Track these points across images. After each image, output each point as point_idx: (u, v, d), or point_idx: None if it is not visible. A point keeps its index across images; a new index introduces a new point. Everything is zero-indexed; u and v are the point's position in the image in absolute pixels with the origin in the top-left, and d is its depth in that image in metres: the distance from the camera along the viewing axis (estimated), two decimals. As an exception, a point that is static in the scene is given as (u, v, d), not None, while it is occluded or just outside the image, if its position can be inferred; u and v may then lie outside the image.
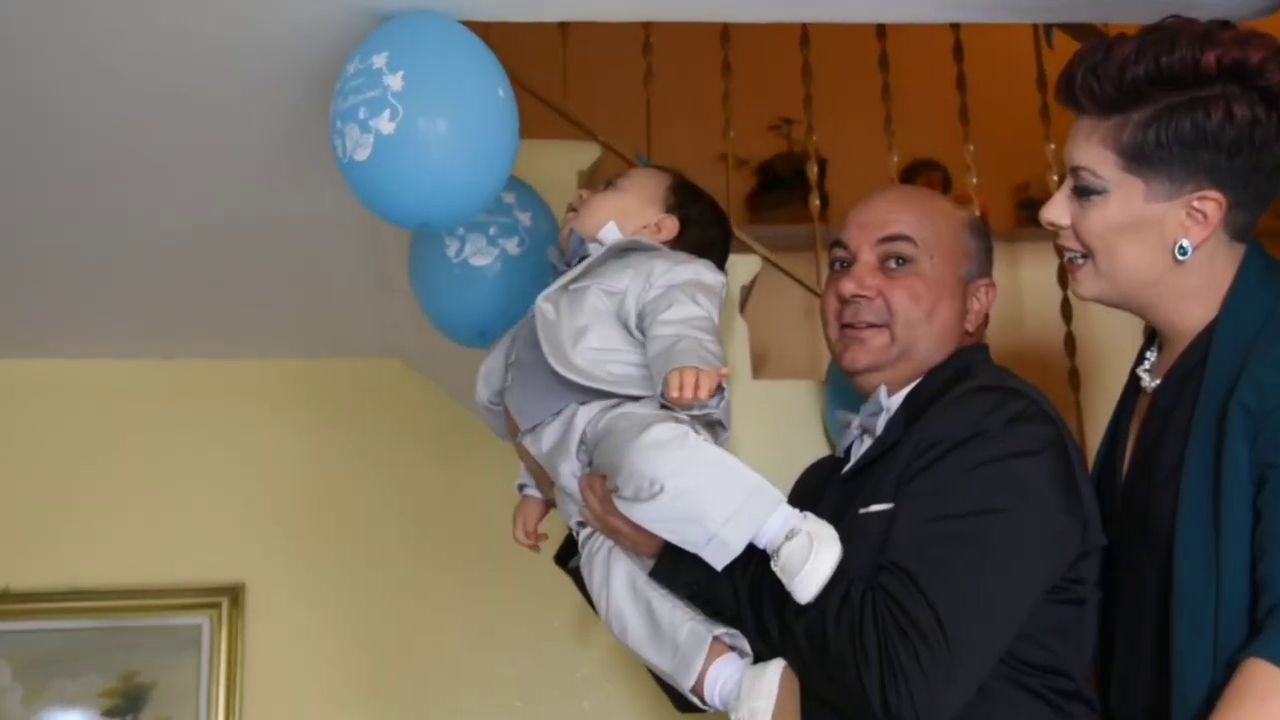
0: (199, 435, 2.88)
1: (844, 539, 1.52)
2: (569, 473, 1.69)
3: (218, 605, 2.72)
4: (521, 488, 1.89)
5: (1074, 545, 1.56)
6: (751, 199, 3.25)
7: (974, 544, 1.50)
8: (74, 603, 2.69)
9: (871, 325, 1.72)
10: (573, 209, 1.84)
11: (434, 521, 2.89)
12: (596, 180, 2.04)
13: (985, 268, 1.79)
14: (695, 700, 1.60)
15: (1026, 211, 3.26)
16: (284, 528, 2.84)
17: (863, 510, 1.61)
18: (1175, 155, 1.49)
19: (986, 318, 1.80)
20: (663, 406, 1.59)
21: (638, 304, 1.70)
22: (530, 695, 2.81)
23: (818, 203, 2.40)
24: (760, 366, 2.35)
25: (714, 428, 1.68)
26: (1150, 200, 1.50)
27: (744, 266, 2.23)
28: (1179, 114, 1.47)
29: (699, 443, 1.56)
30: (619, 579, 1.68)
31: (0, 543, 2.74)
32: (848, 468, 1.73)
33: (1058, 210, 1.60)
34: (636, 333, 1.70)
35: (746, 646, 1.58)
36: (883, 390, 1.70)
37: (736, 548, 1.47)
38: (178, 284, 2.65)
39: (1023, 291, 2.86)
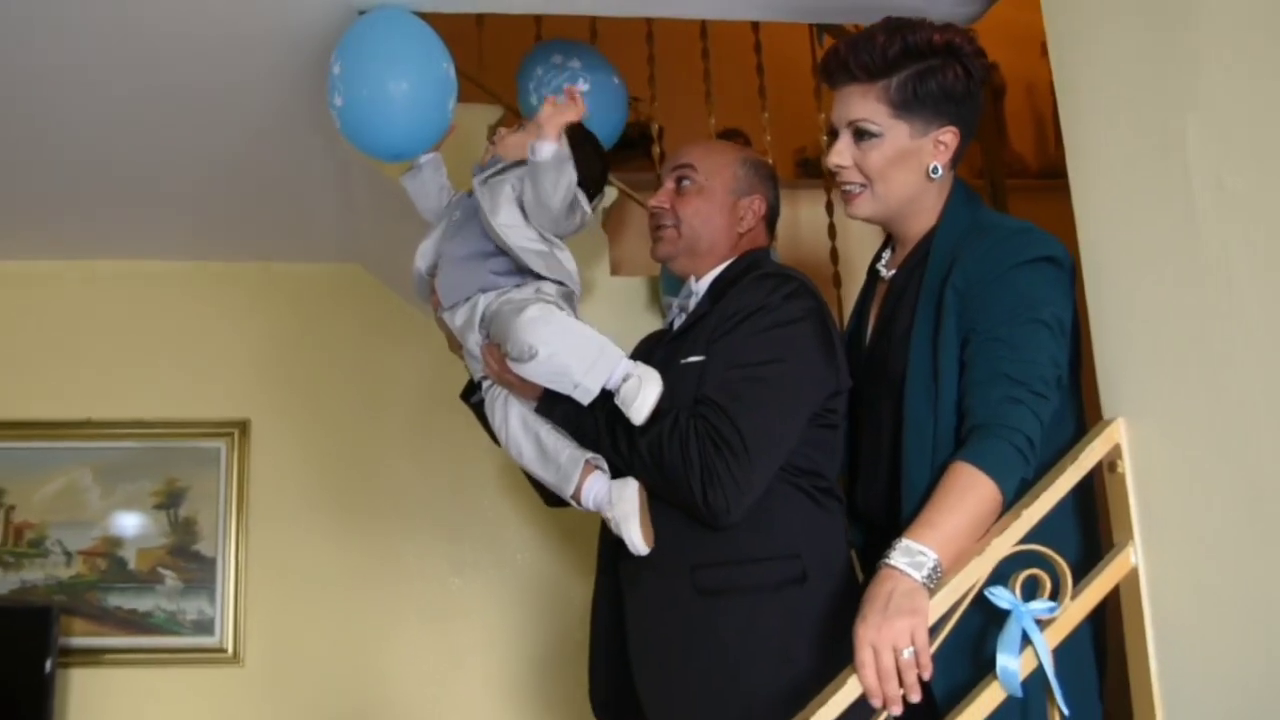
0: (218, 319, 3.53)
1: (669, 384, 1.84)
2: (474, 341, 2.03)
3: (231, 434, 3.44)
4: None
5: (829, 385, 1.92)
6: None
7: (763, 384, 1.85)
8: (133, 429, 3.42)
9: (665, 226, 2.14)
10: (491, 141, 2.18)
11: (387, 385, 3.52)
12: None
13: (755, 188, 2.15)
14: (573, 504, 1.95)
15: (802, 168, 3.70)
16: (275, 384, 3.50)
17: (682, 361, 1.96)
18: (928, 104, 1.85)
19: (763, 221, 2.16)
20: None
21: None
22: (453, 508, 3.44)
23: (658, 151, 2.89)
24: (615, 268, 2.93)
25: (570, 299, 2.05)
26: (913, 137, 1.86)
27: (605, 195, 2.63)
28: (927, 76, 1.83)
29: (562, 317, 1.90)
30: (514, 418, 2.02)
31: (83, 387, 3.45)
32: (673, 331, 2.10)
33: (842, 156, 1.91)
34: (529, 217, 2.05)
35: (607, 468, 1.91)
36: (692, 279, 2.11)
37: (594, 390, 1.80)
38: (197, 204, 3.19)
39: (800, 222, 3.31)
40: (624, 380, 1.80)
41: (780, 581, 1.83)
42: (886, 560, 1.57)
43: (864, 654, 1.50)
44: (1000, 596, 1.53)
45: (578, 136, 2.07)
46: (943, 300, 1.79)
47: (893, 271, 1.99)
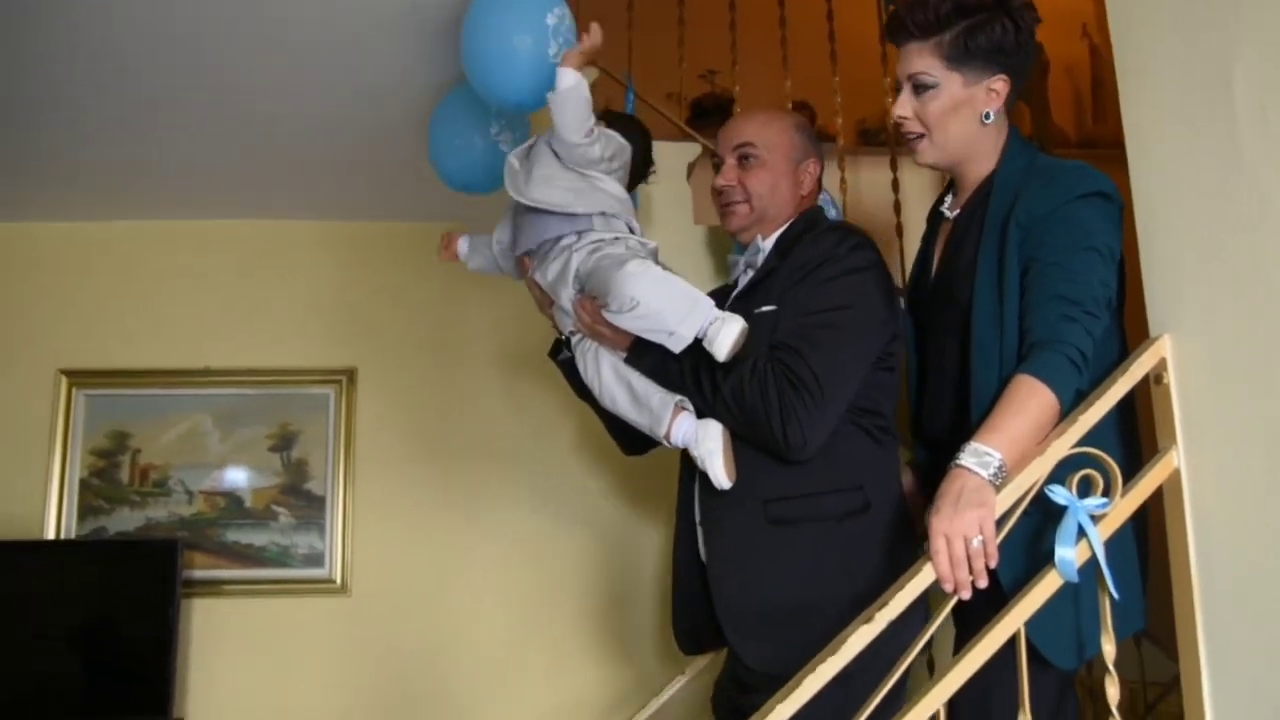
0: (327, 275, 3.77)
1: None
2: (567, 296, 2.16)
3: (339, 382, 3.69)
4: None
5: (890, 329, 2.10)
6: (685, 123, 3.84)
7: (834, 328, 2.01)
8: (249, 377, 3.68)
9: (735, 202, 2.27)
10: None
11: (481, 336, 3.74)
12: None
13: (810, 151, 2.29)
14: (664, 442, 2.08)
15: (862, 136, 3.89)
16: (379, 335, 3.74)
17: (756, 310, 2.09)
18: (978, 56, 1.99)
19: (818, 182, 2.31)
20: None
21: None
22: (541, 452, 3.66)
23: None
24: (698, 216, 3.02)
25: (655, 255, 2.19)
26: (966, 86, 2.01)
27: (689, 151, 3.01)
28: (977, 30, 1.97)
29: (659, 270, 2.04)
30: (606, 368, 2.15)
31: (204, 337, 3.71)
32: (741, 286, 2.22)
33: (904, 108, 2.06)
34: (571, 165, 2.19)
35: (693, 409, 2.06)
36: (759, 238, 2.24)
37: (688, 338, 1.95)
38: (308, 165, 3.39)
39: (861, 186, 3.39)
40: (709, 324, 1.94)
41: (845, 512, 2.01)
42: (957, 461, 1.74)
43: (938, 543, 1.70)
44: (1058, 494, 1.72)
45: (616, 118, 2.28)
46: (1006, 233, 1.94)
47: (956, 211, 2.14)
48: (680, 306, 1.96)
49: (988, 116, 2.04)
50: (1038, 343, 1.83)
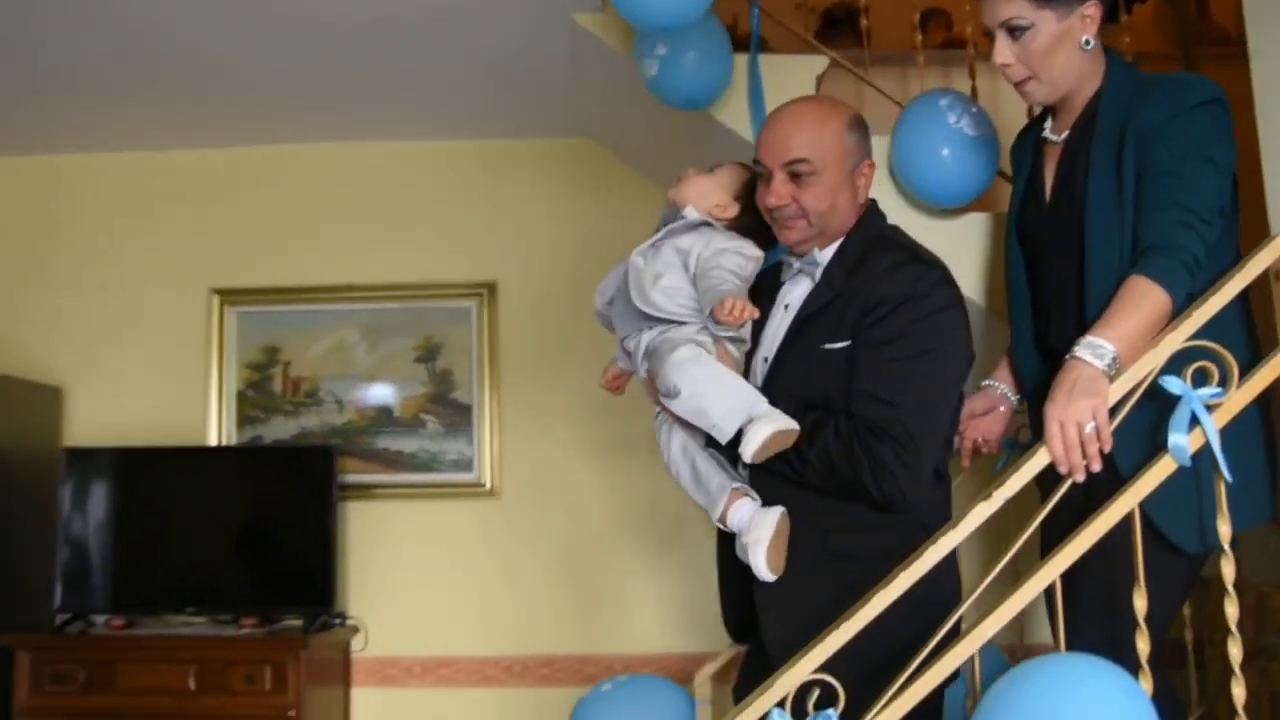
0: (466, 192, 3.98)
1: (808, 367, 2.04)
2: (642, 372, 2.16)
3: (480, 295, 3.92)
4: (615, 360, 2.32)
5: (969, 363, 2.11)
6: (816, 34, 3.77)
7: (924, 374, 2.00)
8: (394, 291, 3.94)
9: (792, 219, 2.13)
10: (678, 179, 2.27)
11: (615, 248, 3.62)
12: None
13: (865, 153, 2.17)
14: (720, 526, 2.05)
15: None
16: (518, 249, 3.95)
17: (824, 346, 2.06)
18: None
19: (868, 184, 2.18)
20: (709, 322, 2.04)
21: (697, 259, 2.12)
22: None
23: (865, 26, 3.11)
24: None
25: (739, 344, 2.13)
26: (1060, 20, 2.06)
27: (817, 64, 3.03)
28: None
29: (708, 361, 2.02)
30: (675, 444, 2.14)
31: (347, 255, 3.98)
32: (799, 304, 2.14)
33: (1004, 55, 2.10)
34: (693, 280, 2.12)
35: (756, 496, 2.02)
36: (815, 251, 2.14)
37: (729, 432, 1.94)
38: (447, 89, 3.59)
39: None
40: (747, 423, 1.94)
41: (906, 550, 1.92)
42: (1072, 353, 1.86)
43: (1053, 428, 1.83)
44: (1172, 383, 1.83)
45: (751, 193, 2.22)
46: (1123, 149, 2.02)
47: (1064, 134, 2.20)
48: (724, 400, 1.98)
49: (1087, 43, 2.11)
50: (1152, 247, 1.92)
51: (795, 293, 2.18)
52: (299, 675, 3.44)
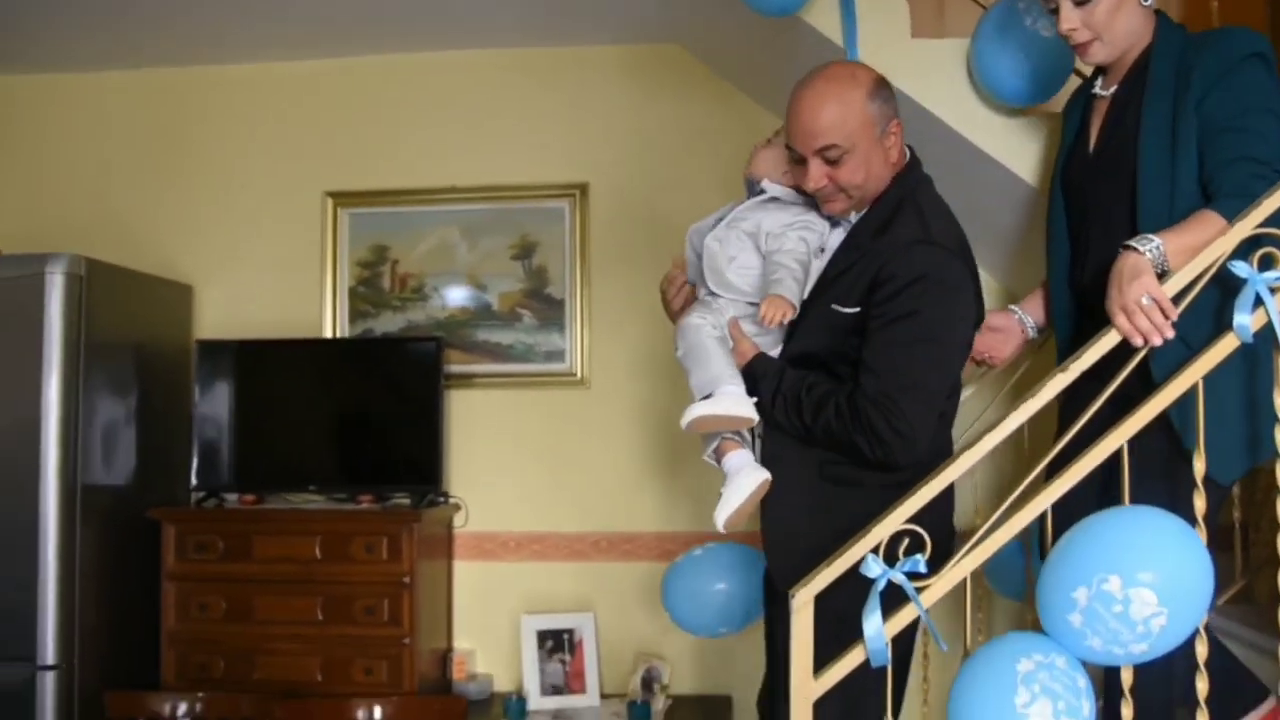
0: (559, 97, 4.06)
1: (817, 322, 2.14)
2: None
3: (573, 195, 4.02)
4: None
5: (976, 324, 2.20)
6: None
7: (920, 353, 2.06)
8: (492, 193, 4.05)
9: (833, 196, 2.18)
10: (750, 157, 2.36)
11: (702, 151, 3.96)
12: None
13: (890, 115, 2.16)
14: (713, 461, 2.22)
15: None
16: (609, 151, 4.03)
17: (834, 306, 2.13)
18: None
19: (900, 139, 2.20)
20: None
21: (766, 238, 2.21)
22: None
23: None
24: (916, 30, 2.94)
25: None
26: None
27: None
28: None
29: (697, 335, 2.18)
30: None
31: (449, 159, 4.09)
32: (826, 265, 2.21)
33: (1070, 21, 2.17)
34: (765, 257, 2.21)
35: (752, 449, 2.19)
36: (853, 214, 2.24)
37: (696, 397, 2.12)
38: None
39: None
40: (706, 397, 2.09)
41: (903, 481, 2.01)
42: (1125, 244, 1.96)
43: (1118, 318, 1.92)
44: (1239, 267, 1.90)
45: None
46: (1179, 101, 2.08)
47: (1113, 88, 2.26)
48: (699, 374, 2.15)
49: (1145, 1, 2.18)
50: (1226, 194, 1.98)
51: (833, 240, 2.25)
52: (412, 546, 3.65)
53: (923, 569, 1.88)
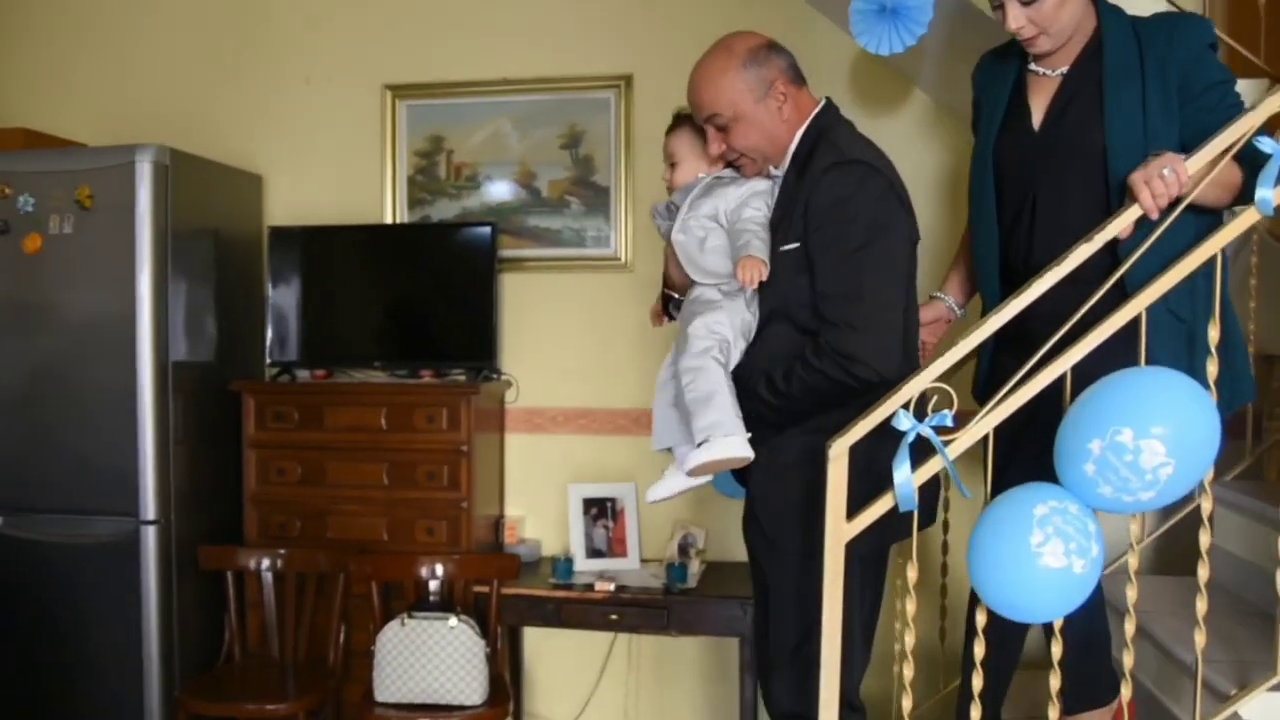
0: None
1: (775, 267, 2.15)
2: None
3: (618, 86, 4.03)
4: None
5: (913, 239, 2.23)
6: None
7: (864, 266, 2.10)
8: (541, 84, 4.08)
9: (738, 159, 2.29)
10: (666, 177, 2.43)
11: None
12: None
13: (768, 77, 2.23)
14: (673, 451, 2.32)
15: None
16: (651, 43, 4.01)
17: (781, 248, 2.18)
18: None
19: (792, 85, 2.26)
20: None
21: (726, 215, 2.26)
22: None
23: None
24: None
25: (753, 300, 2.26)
26: None
27: None
28: None
29: (710, 371, 2.17)
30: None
31: (501, 51, 4.10)
32: (771, 215, 2.25)
33: (1017, 20, 2.20)
34: (730, 234, 2.25)
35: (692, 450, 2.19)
36: (772, 169, 2.30)
37: (696, 441, 2.15)
38: None
39: None
40: (705, 442, 2.14)
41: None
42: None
43: (1141, 192, 1.97)
44: (1265, 143, 1.94)
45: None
46: (1150, 89, 2.15)
47: (1063, 69, 2.28)
48: (703, 416, 2.15)
49: None
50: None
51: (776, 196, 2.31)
52: (469, 417, 3.77)
53: (949, 423, 1.96)
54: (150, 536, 3.60)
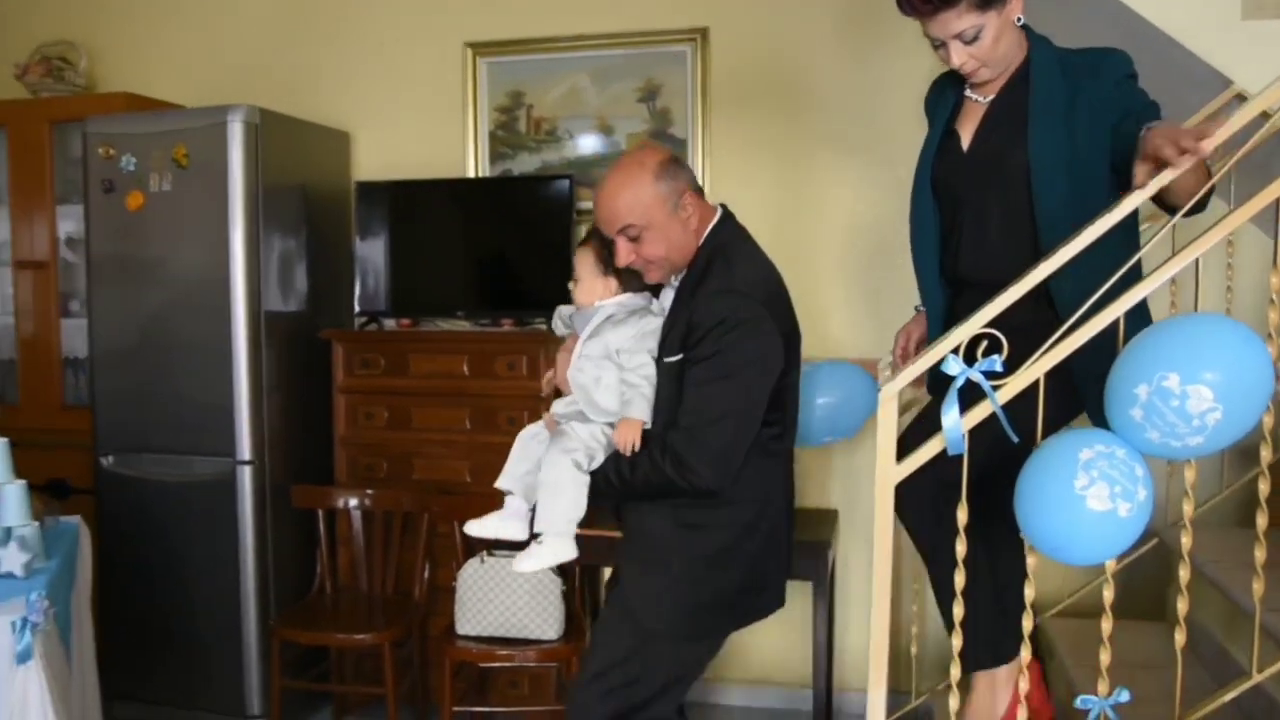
0: None
1: (661, 374, 2.27)
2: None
3: (695, 39, 4.05)
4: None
5: (780, 364, 2.28)
6: None
7: (723, 388, 2.20)
8: (618, 39, 4.13)
9: (645, 267, 2.34)
10: (571, 291, 2.43)
11: (813, 4, 4.01)
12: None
13: (679, 189, 2.30)
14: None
15: None
16: (726, 0, 4.07)
17: (665, 359, 2.28)
18: None
19: (697, 199, 2.34)
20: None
21: (619, 354, 2.32)
22: (872, 106, 3.90)
23: None
24: (1248, 12, 2.82)
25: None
26: (1000, 14, 2.26)
27: None
28: None
29: (574, 483, 2.27)
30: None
31: (579, 8, 4.15)
32: (663, 325, 2.34)
33: (960, 57, 2.30)
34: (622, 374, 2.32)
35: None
36: (674, 279, 2.37)
37: (536, 529, 2.29)
38: None
39: None
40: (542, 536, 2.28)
41: (743, 524, 2.31)
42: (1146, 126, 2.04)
43: (1166, 150, 1.92)
44: None
45: (607, 253, 2.37)
46: (1075, 109, 2.23)
47: (991, 97, 2.39)
48: (549, 508, 2.28)
49: (1019, 19, 2.30)
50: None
51: (666, 299, 2.39)
52: (548, 364, 3.85)
53: (999, 368, 1.99)
54: (246, 476, 3.79)
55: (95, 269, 3.95)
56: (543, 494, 2.28)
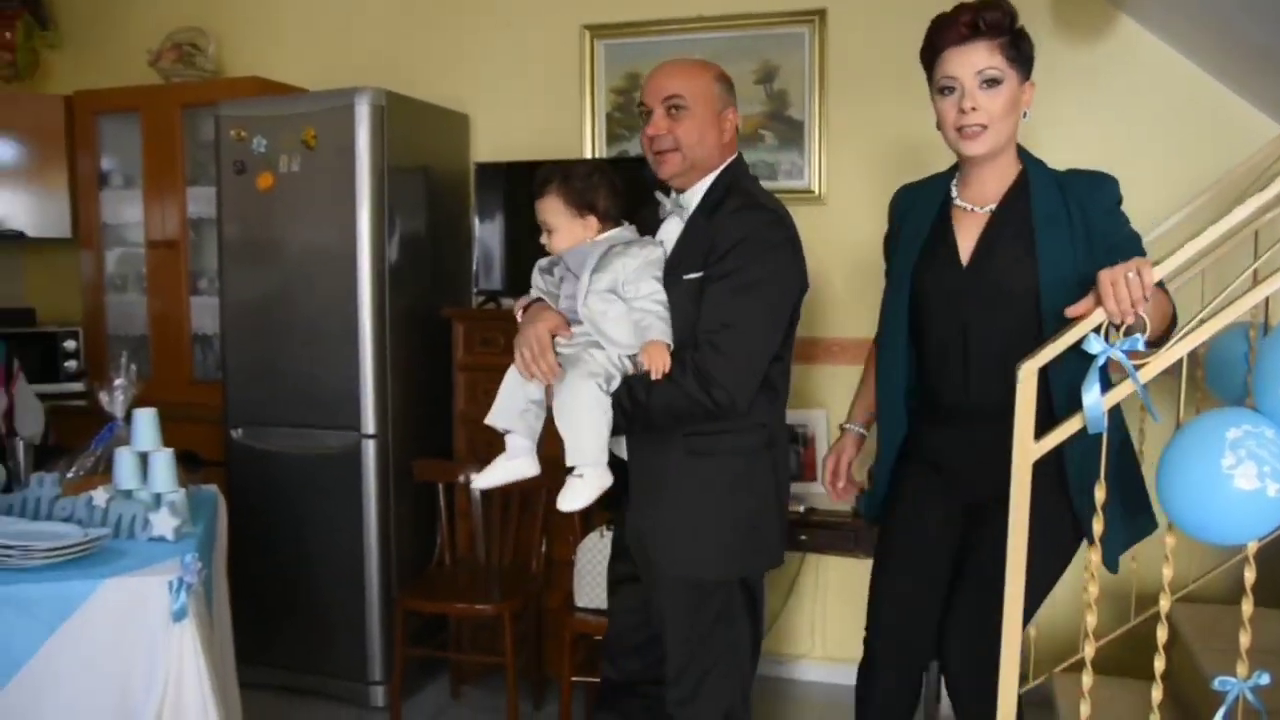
0: None
1: (676, 294, 2.25)
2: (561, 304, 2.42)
3: (813, 21, 4.05)
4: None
5: (798, 292, 2.34)
6: None
7: (747, 301, 2.22)
8: (735, 20, 4.14)
9: (666, 151, 2.35)
10: (544, 244, 2.43)
11: None
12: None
13: (729, 101, 2.38)
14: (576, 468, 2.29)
15: None
16: None
17: (685, 277, 2.27)
18: (1025, 58, 2.23)
19: (736, 128, 2.41)
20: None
21: (623, 287, 2.29)
22: None
23: None
24: None
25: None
26: (1019, 84, 2.23)
27: None
28: (1022, 37, 2.22)
29: (597, 403, 2.23)
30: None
31: None
32: (672, 245, 2.36)
33: (975, 99, 2.22)
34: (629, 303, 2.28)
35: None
36: (678, 195, 2.41)
37: (571, 462, 2.24)
38: None
39: None
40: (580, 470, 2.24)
41: (751, 448, 2.33)
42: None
43: (1105, 288, 1.90)
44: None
45: (586, 190, 2.39)
46: (1073, 227, 2.20)
47: (990, 207, 2.32)
48: (580, 435, 2.23)
49: (1026, 115, 2.27)
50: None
51: (669, 230, 2.39)
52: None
53: (1140, 348, 1.98)
54: (370, 449, 3.91)
55: (227, 248, 4.10)
56: (568, 425, 2.22)
